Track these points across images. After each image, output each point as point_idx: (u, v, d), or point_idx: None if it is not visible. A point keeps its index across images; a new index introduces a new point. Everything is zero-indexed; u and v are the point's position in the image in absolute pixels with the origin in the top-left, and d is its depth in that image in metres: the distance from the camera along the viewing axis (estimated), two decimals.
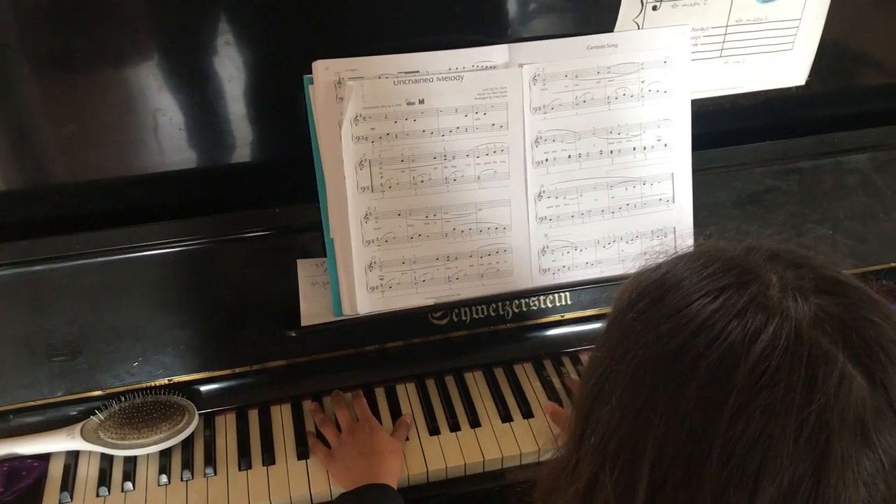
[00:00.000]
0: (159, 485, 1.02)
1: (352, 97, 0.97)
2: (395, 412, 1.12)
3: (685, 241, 1.12)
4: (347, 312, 1.06)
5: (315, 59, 0.97)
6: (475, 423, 1.10)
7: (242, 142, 1.08)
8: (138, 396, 1.07)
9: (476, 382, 1.16)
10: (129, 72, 1.00)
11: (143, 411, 1.06)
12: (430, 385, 1.16)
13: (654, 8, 1.07)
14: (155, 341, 1.06)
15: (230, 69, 1.03)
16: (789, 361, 0.47)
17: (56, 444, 1.05)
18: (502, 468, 1.07)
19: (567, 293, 1.15)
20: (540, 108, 1.03)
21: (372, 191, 1.02)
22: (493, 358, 1.18)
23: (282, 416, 1.11)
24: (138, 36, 0.98)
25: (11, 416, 1.05)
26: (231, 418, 1.11)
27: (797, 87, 1.20)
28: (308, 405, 1.12)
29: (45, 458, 1.05)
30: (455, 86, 1.00)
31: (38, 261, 1.00)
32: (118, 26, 0.97)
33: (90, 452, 1.05)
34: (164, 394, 1.08)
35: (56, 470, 1.04)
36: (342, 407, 1.09)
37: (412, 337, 1.14)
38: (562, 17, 1.09)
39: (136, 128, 1.04)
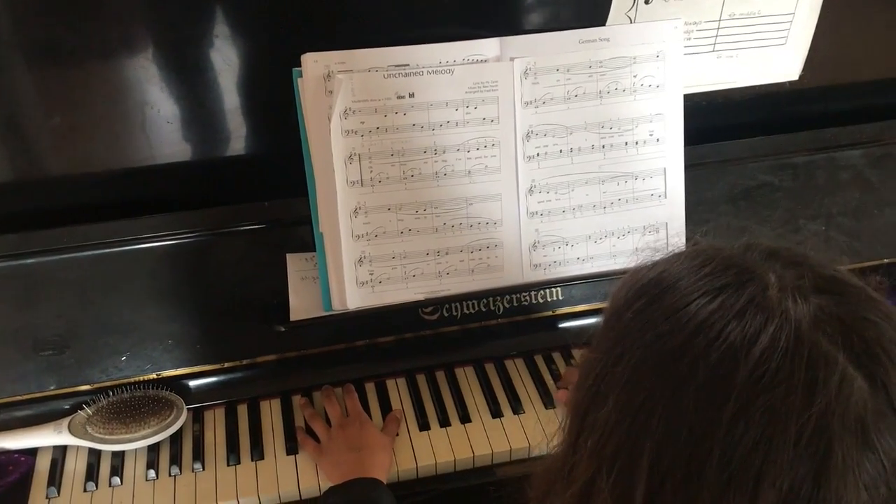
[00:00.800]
0: (147, 480, 1.02)
1: (341, 91, 0.96)
2: (386, 407, 1.11)
3: (677, 237, 1.11)
4: (337, 307, 1.05)
5: (304, 52, 0.96)
6: (465, 418, 1.09)
7: (231, 135, 1.07)
8: (126, 391, 1.07)
9: (467, 378, 1.16)
10: (116, 64, 0.99)
11: (132, 406, 1.05)
12: (421, 380, 1.15)
13: (647, 2, 1.06)
14: (143, 335, 1.06)
15: (219, 62, 1.02)
16: (789, 364, 0.47)
17: (43, 438, 1.04)
18: (492, 464, 1.06)
19: (558, 289, 1.15)
20: (531, 102, 1.03)
21: (362, 185, 1.01)
22: (483, 353, 1.17)
23: (271, 411, 1.11)
24: (127, 28, 0.97)
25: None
26: (220, 413, 1.11)
27: (790, 82, 1.19)
28: (297, 400, 1.12)
29: (31, 453, 1.04)
30: (446, 79, 0.99)
31: (26, 254, 0.99)
32: (107, 18, 0.96)
33: (77, 447, 1.05)
34: (153, 388, 1.08)
35: (43, 465, 1.04)
36: (332, 401, 1.08)
37: (402, 332, 1.14)
38: (554, 10, 1.08)
39: (125, 120, 1.03)
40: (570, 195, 1.07)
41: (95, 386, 1.07)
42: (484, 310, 1.14)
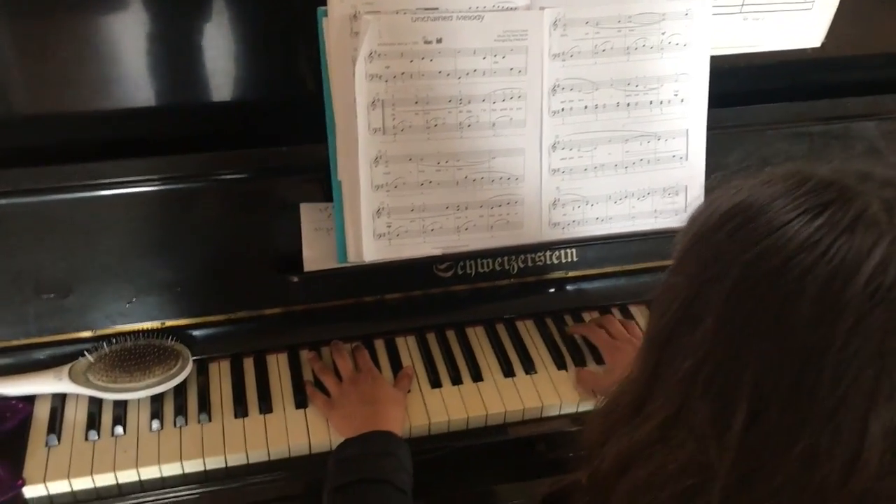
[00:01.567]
0: (151, 430, 0.98)
1: (367, 32, 0.93)
2: (396, 365, 1.09)
3: (696, 200, 1.10)
4: (352, 259, 1.02)
5: None
6: (477, 376, 1.08)
7: (252, 77, 1.03)
8: (129, 340, 1.03)
9: (477, 337, 1.14)
10: None
11: (136, 354, 1.02)
12: (431, 339, 1.13)
13: None
14: (150, 282, 1.02)
15: None
16: None
17: (43, 385, 1.00)
18: (505, 423, 1.05)
19: (574, 250, 1.13)
20: (559, 54, 1.00)
21: (384, 133, 0.98)
22: (495, 313, 1.16)
23: (278, 365, 1.08)
24: None
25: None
26: (225, 366, 1.08)
27: (812, 49, 1.18)
28: (305, 354, 1.09)
29: (30, 401, 1.01)
30: (475, 26, 0.96)
31: (33, 191, 0.94)
32: None
33: (77, 396, 1.01)
34: (157, 338, 1.04)
35: (42, 412, 1.00)
36: (343, 356, 1.06)
37: (415, 289, 1.12)
38: None
39: (140, 57, 0.98)
40: (592, 153, 1.06)
41: (98, 333, 1.03)
42: (498, 269, 1.12)
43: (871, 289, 0.46)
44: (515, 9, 0.98)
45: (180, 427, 0.99)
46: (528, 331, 1.16)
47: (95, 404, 1.00)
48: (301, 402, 1.02)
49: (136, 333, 1.04)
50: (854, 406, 0.46)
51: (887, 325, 0.45)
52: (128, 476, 0.94)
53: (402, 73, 0.96)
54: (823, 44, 1.18)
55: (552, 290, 1.17)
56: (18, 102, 1.00)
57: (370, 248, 1.02)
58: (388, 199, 1.01)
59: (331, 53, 0.94)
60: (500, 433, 1.04)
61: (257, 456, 0.97)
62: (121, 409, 1.00)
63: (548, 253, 1.12)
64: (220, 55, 1.01)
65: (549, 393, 1.06)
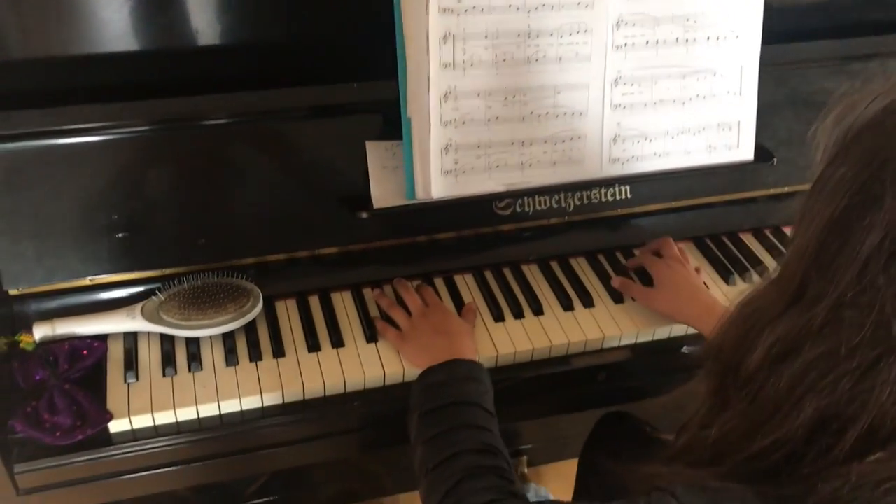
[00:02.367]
0: (227, 366, 1.00)
1: None
2: (457, 301, 1.11)
3: (748, 136, 1.13)
4: (421, 196, 1.03)
5: None
6: (538, 311, 1.10)
7: (318, 12, 1.02)
8: (197, 279, 1.04)
9: (533, 275, 1.17)
10: None
11: (207, 293, 1.02)
12: (489, 276, 1.15)
13: None
14: (219, 221, 1.03)
15: None
16: None
17: (116, 324, 1.01)
18: (567, 353, 1.08)
19: (627, 186, 1.15)
20: None
21: (454, 68, 0.99)
22: (550, 251, 1.18)
23: (343, 302, 1.10)
24: None
25: (70, 294, 1.01)
26: (292, 304, 1.09)
27: None
28: (370, 292, 1.11)
29: (102, 340, 1.01)
30: None
31: (109, 128, 0.94)
32: None
33: (149, 334, 1.02)
34: (226, 276, 1.05)
35: (116, 351, 1.01)
36: (410, 291, 1.08)
37: (473, 227, 1.13)
38: None
39: None
40: (652, 89, 1.07)
41: (168, 272, 1.03)
42: (555, 206, 1.14)
43: None
44: None
45: (256, 362, 1.00)
46: (582, 267, 1.18)
47: (169, 342, 1.01)
48: (371, 336, 1.04)
49: (203, 272, 1.05)
50: None
51: None
52: (209, 410, 0.96)
53: (474, 7, 0.96)
54: None
55: (605, 227, 1.19)
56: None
57: (438, 184, 1.03)
58: (455, 136, 1.02)
59: None
60: (563, 364, 1.07)
61: (333, 388, 0.99)
62: (194, 346, 1.01)
63: (602, 189, 1.15)
64: None
65: (610, 325, 1.09)
